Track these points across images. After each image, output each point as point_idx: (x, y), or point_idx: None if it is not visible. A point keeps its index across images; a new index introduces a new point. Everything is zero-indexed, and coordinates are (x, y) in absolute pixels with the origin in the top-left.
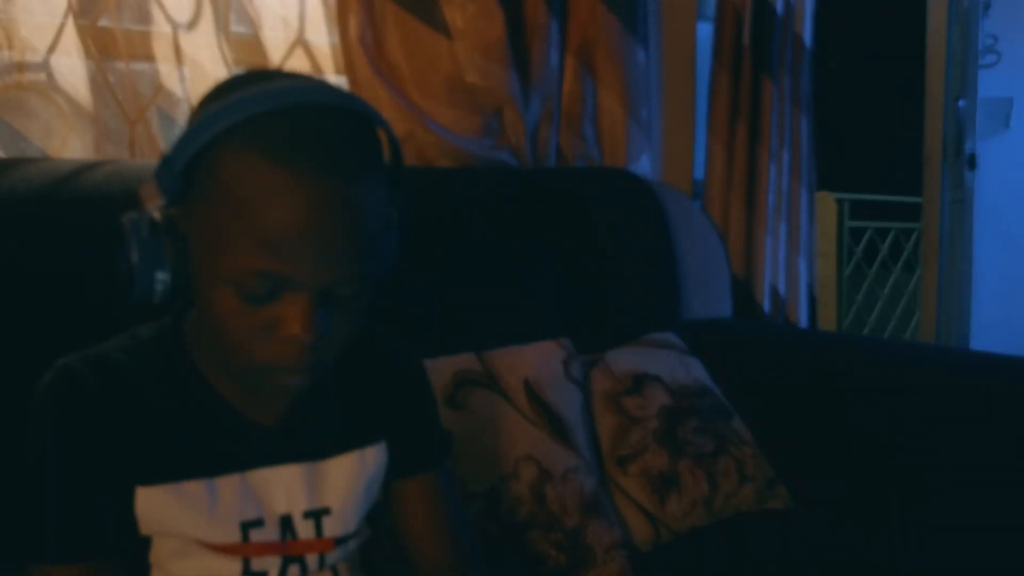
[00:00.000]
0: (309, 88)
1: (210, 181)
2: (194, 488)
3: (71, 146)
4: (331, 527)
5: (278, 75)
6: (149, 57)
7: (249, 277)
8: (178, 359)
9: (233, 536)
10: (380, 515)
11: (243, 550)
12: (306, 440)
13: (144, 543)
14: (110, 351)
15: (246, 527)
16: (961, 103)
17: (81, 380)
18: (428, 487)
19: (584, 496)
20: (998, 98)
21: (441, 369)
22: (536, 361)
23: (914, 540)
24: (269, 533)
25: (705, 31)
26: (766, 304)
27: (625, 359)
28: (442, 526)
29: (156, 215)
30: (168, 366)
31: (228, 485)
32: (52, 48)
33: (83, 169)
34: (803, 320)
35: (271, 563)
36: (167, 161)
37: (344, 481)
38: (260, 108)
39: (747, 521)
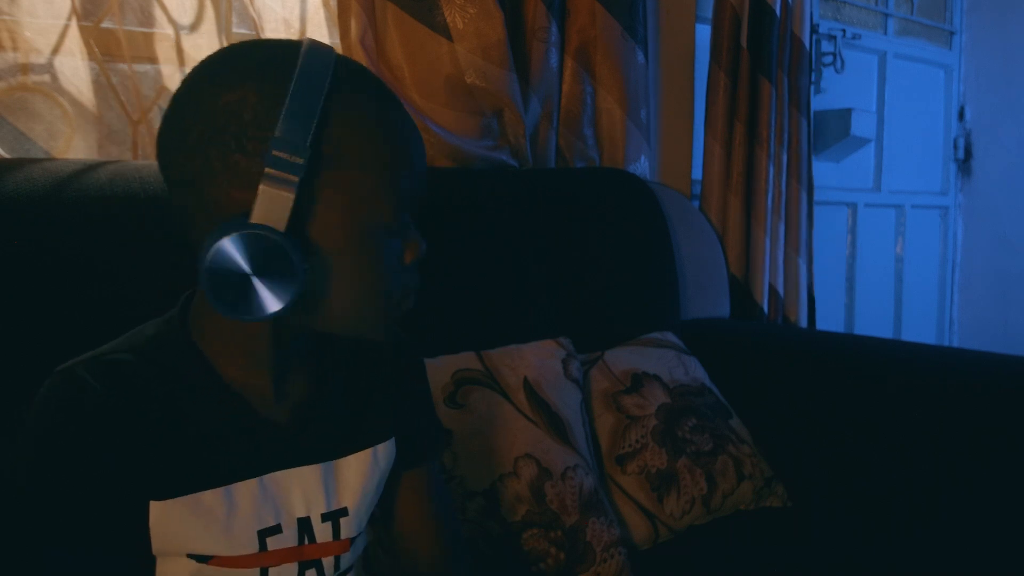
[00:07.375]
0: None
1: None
2: (211, 498)
3: (74, 147)
4: (347, 528)
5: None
6: (152, 58)
7: (405, 206)
8: (188, 355)
9: (251, 547)
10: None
11: (260, 560)
12: (321, 438)
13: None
14: (114, 353)
15: (263, 535)
16: None
17: (86, 389)
18: (422, 478)
19: (583, 494)
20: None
21: (441, 368)
22: (535, 360)
23: (913, 539)
24: (287, 539)
25: (703, 33)
26: (765, 304)
27: (624, 358)
28: (432, 517)
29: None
30: (178, 364)
31: (245, 491)
32: (56, 50)
33: (86, 170)
34: (803, 320)
35: (288, 570)
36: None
37: (358, 480)
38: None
39: (745, 519)
